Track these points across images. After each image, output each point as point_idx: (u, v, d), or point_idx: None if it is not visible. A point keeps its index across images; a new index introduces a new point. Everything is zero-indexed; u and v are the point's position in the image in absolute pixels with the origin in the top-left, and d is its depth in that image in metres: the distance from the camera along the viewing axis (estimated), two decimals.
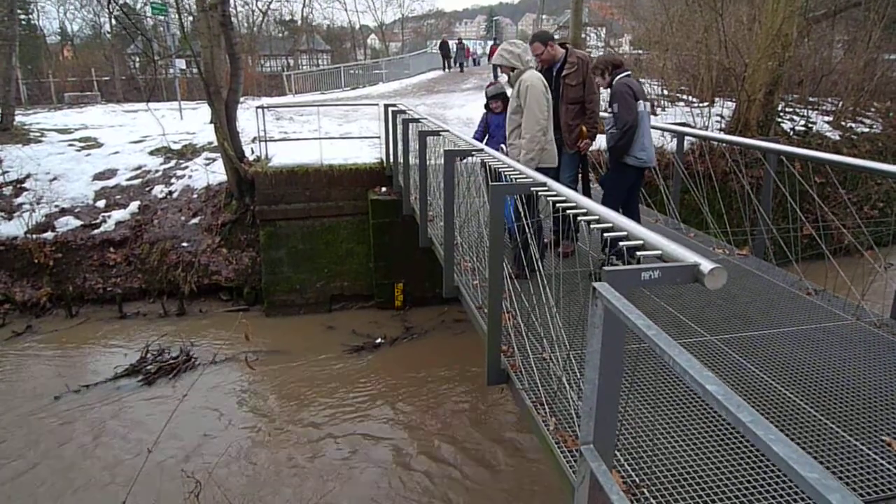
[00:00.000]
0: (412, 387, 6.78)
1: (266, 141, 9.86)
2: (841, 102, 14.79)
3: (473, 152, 4.20)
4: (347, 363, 7.36)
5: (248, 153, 10.01)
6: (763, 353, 3.56)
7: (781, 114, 12.97)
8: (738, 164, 7.41)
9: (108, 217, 9.54)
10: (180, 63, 19.94)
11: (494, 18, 61.29)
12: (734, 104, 12.34)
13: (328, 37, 42.23)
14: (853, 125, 14.15)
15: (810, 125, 13.07)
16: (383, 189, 8.94)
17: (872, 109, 15.59)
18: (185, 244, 9.24)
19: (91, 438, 5.89)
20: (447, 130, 5.33)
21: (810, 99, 14.83)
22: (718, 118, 12.56)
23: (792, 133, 12.46)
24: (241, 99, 11.20)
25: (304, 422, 6.16)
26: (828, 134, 13.02)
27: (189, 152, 11.33)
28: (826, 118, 13.95)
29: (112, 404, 6.48)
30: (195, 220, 9.57)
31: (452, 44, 29.45)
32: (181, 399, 6.25)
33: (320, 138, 9.88)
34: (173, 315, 8.81)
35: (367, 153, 9.80)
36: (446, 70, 27.95)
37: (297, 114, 14.69)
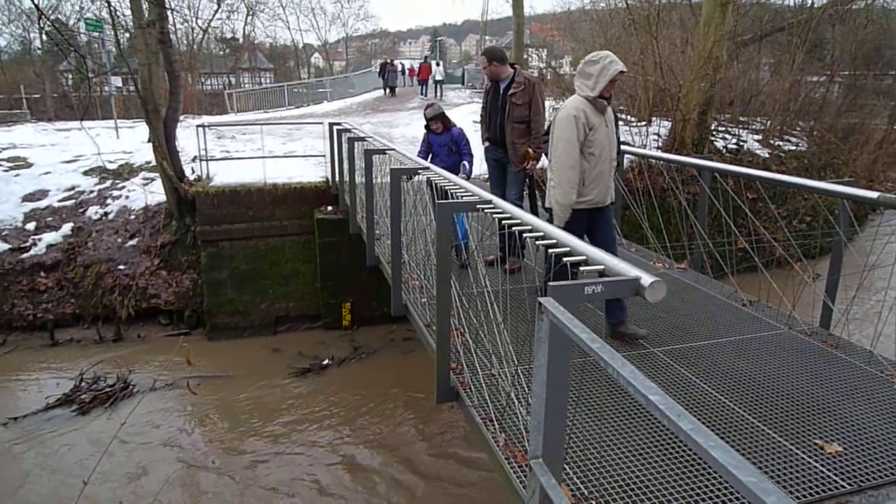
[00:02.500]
0: (361, 407, 6.68)
1: (207, 160, 9.63)
2: (769, 122, 15.60)
3: (420, 170, 4.22)
4: (294, 386, 7.19)
5: (188, 172, 9.75)
6: (703, 364, 3.68)
7: (714, 132, 13.57)
8: (675, 181, 7.69)
9: (39, 240, 9.09)
10: (116, 80, 19.31)
11: (438, 39, 62.03)
12: (670, 123, 12.83)
13: (271, 55, 41.80)
14: (781, 143, 14.94)
15: (741, 143, 13.73)
16: (329, 208, 8.85)
17: (798, 128, 16.52)
18: (121, 267, 8.88)
19: (21, 474, 5.54)
20: (393, 149, 5.34)
21: (741, 118, 15.58)
22: (656, 137, 13.02)
23: (725, 151, 13.04)
24: (181, 117, 10.92)
25: (249, 446, 5.97)
26: (758, 152, 13.70)
27: (126, 172, 10.95)
28: (756, 137, 14.67)
29: (43, 437, 6.12)
30: (133, 242, 9.23)
31: (397, 64, 29.27)
32: (119, 428, 5.96)
33: (264, 157, 9.73)
34: (109, 341, 8.41)
35: (312, 172, 9.70)
36: (389, 93, 26.92)
37: (239, 132, 14.43)
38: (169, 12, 10.45)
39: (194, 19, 29.76)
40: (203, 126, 9.67)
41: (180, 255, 9.12)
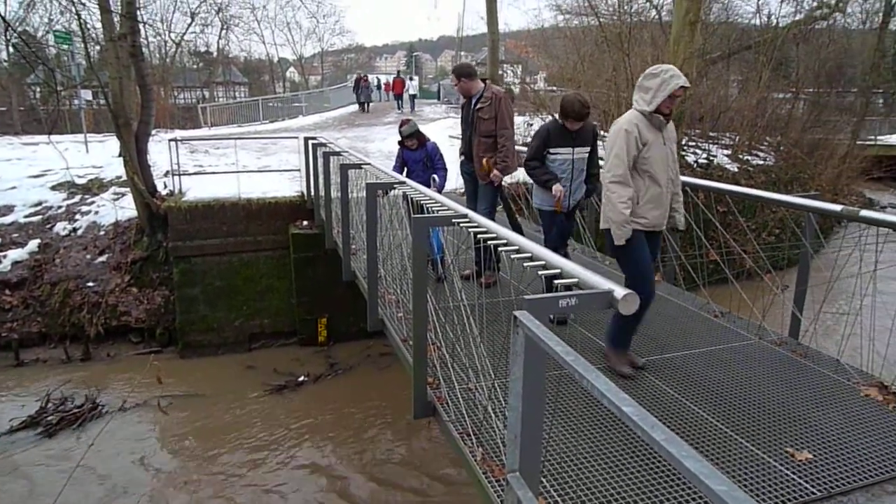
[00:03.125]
0: (338, 424, 6.61)
1: (180, 174, 9.52)
2: (738, 137, 15.97)
3: (395, 185, 4.23)
4: (269, 403, 7.09)
5: (160, 187, 9.62)
6: (676, 374, 3.72)
7: (685, 147, 13.84)
8: None
9: (4, 257, 8.86)
10: (86, 94, 19.01)
11: (414, 54, 62.46)
12: None
13: (246, 69, 41.57)
14: (749, 158, 15.29)
15: (711, 158, 14.02)
16: (304, 223, 8.80)
17: (765, 143, 16.93)
18: (90, 284, 8.70)
19: None
20: (369, 163, 5.34)
21: (710, 134, 15.92)
22: None
23: (696, 165, 13.31)
24: (153, 131, 10.79)
25: (223, 466, 5.85)
26: (727, 166, 14.00)
27: (95, 187, 10.77)
28: (725, 151, 15.01)
29: (7, 461, 5.92)
30: (102, 259, 9.05)
31: (373, 77, 29.31)
32: (87, 450, 5.81)
33: (238, 171, 9.65)
34: (77, 360, 8.21)
35: (287, 186, 9.64)
36: (361, 109, 26.22)
37: (213, 147, 14.30)
38: (141, 25, 10.36)
39: (167, 33, 29.52)
40: (176, 140, 9.57)
41: (152, 271, 8.97)
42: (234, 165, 10.47)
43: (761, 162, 15.29)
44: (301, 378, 7.61)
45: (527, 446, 1.90)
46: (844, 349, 3.98)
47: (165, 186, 9.80)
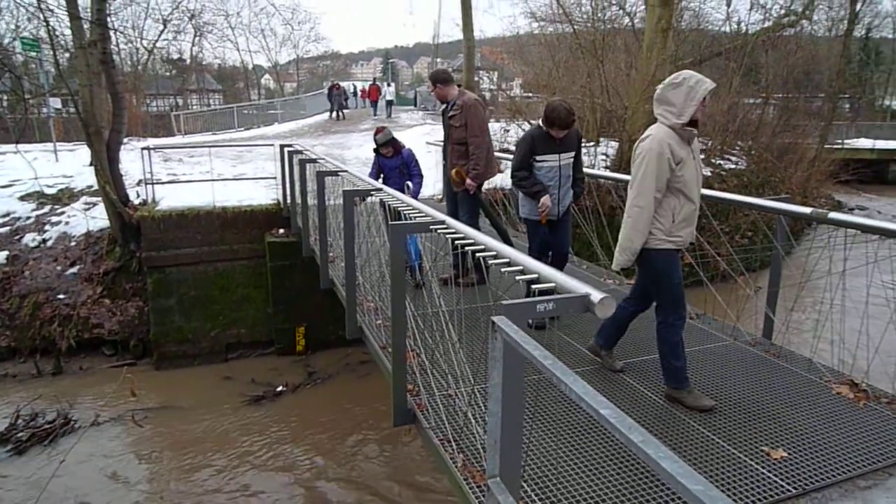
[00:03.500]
0: (317, 434, 6.54)
1: (153, 183, 9.39)
2: (710, 141, 16.24)
3: (373, 192, 4.22)
4: (247, 414, 7.00)
5: (133, 197, 9.47)
6: (653, 376, 3.76)
7: None
8: (623, 199, 7.89)
9: None
10: (55, 102, 18.67)
11: (390, 61, 62.50)
12: (618, 144, 13.23)
13: (220, 76, 41.20)
14: (722, 162, 15.57)
15: None
16: (281, 231, 8.73)
17: (737, 147, 17.25)
18: (61, 296, 8.51)
19: None
20: (346, 170, 5.32)
21: None
22: (604, 157, 13.38)
23: None
24: (125, 140, 10.65)
25: (200, 479, 5.76)
26: None
27: (66, 197, 10.55)
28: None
29: None
30: (73, 270, 8.87)
31: (349, 84, 29.24)
32: (58, 466, 5.67)
33: (212, 180, 9.55)
34: (48, 374, 8.02)
35: (262, 194, 9.56)
36: (336, 117, 25.40)
37: (186, 155, 14.13)
38: (112, 32, 10.22)
39: (139, 39, 29.12)
40: (148, 149, 9.44)
41: (125, 282, 8.82)
42: (209, 174, 10.35)
43: (733, 166, 15.57)
44: (279, 388, 7.53)
45: (507, 451, 1.91)
46: (816, 348, 4.06)
47: (138, 195, 9.65)
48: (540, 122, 4.41)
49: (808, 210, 3.88)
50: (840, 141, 25.41)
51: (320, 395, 7.50)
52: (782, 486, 2.64)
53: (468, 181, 5.20)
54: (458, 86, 5.42)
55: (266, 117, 25.67)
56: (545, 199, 4.38)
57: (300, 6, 52.77)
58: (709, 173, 14.12)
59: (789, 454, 2.88)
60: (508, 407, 1.85)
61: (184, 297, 8.48)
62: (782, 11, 19.26)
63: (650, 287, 3.58)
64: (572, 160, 4.55)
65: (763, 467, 2.79)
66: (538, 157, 4.41)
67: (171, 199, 9.14)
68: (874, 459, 2.84)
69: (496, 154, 6.30)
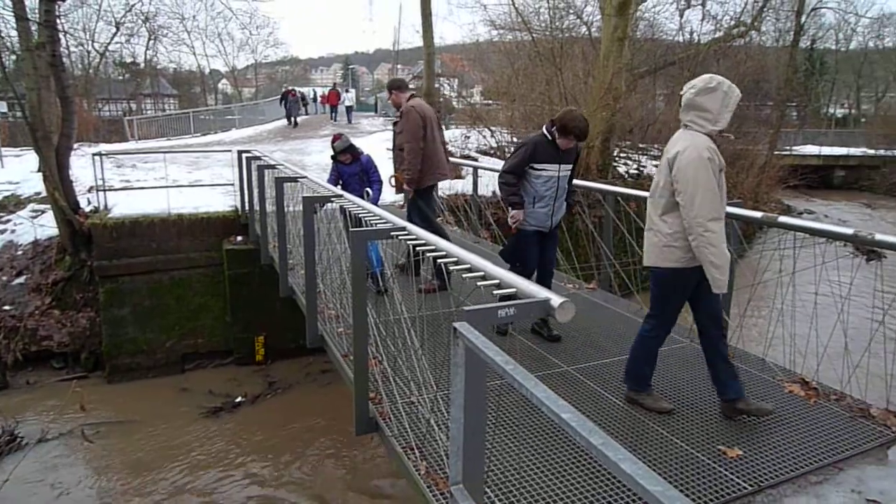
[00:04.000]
0: (278, 444, 6.42)
1: (105, 190, 9.10)
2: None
3: (333, 198, 4.17)
4: (204, 427, 6.82)
5: (83, 204, 9.17)
6: (614, 379, 3.81)
7: (617, 158, 14.33)
8: (582, 205, 8.01)
9: None
10: (1, 106, 17.98)
11: (350, 67, 62.22)
12: None
13: (175, 80, 40.28)
14: None
15: (642, 168, 14.56)
16: (239, 238, 8.57)
17: None
18: (7, 307, 8.16)
19: None
20: (305, 177, 5.27)
21: (640, 145, 16.56)
22: None
23: (627, 175, 13.79)
24: (76, 145, 10.30)
25: (155, 495, 5.58)
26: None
27: (11, 204, 10.15)
28: (654, 162, 15.61)
29: None
30: (20, 280, 8.52)
31: (309, 90, 28.96)
32: (2, 485, 5.42)
33: (168, 186, 9.32)
34: None
35: (220, 201, 9.37)
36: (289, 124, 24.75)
37: (140, 161, 13.76)
38: (61, 35, 9.90)
39: (90, 42, 28.30)
40: (100, 154, 9.16)
41: (75, 292, 8.52)
42: (164, 180, 10.10)
43: None
44: (238, 399, 7.37)
45: (470, 457, 1.90)
46: (768, 348, 4.19)
47: (89, 203, 9.34)
48: (544, 129, 4.22)
49: (758, 214, 4.00)
50: (788, 147, 26.39)
51: (281, 405, 7.37)
52: (739, 484, 2.70)
53: (404, 186, 5.39)
54: (413, 94, 5.52)
55: (223, 123, 25.24)
56: (517, 213, 4.20)
57: (258, 11, 51.95)
58: None
59: (745, 452, 2.96)
60: (471, 413, 1.84)
61: (138, 307, 8.23)
62: (732, 23, 19.92)
63: (655, 299, 3.38)
64: (569, 172, 4.38)
65: (720, 466, 2.85)
66: (537, 165, 4.19)
67: (124, 206, 8.87)
68: (825, 455, 2.93)
69: (457, 160, 6.38)
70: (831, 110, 45.50)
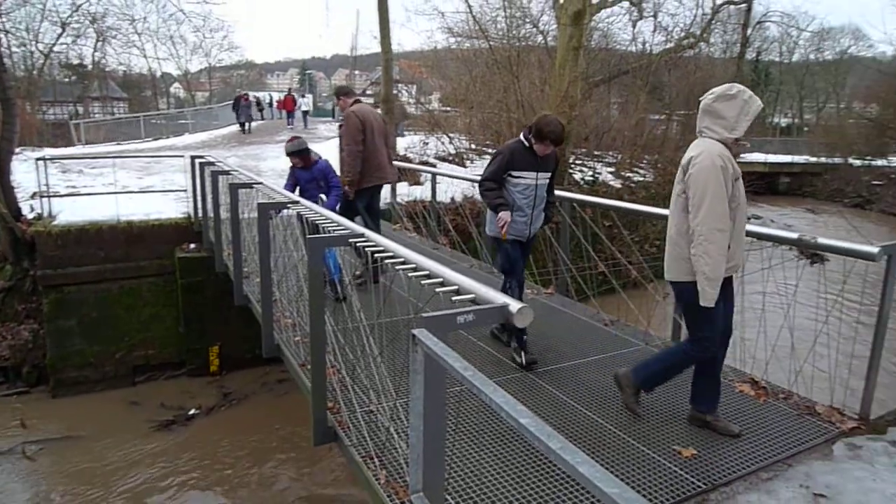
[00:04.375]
0: (233, 457, 6.27)
1: (49, 196, 8.76)
2: (620, 155, 17.01)
3: (289, 205, 4.11)
4: (156, 441, 6.61)
5: (26, 210, 8.80)
6: (572, 383, 3.86)
7: (573, 165, 14.56)
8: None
9: None
10: None
11: (307, 72, 61.57)
12: None
13: (125, 84, 39.11)
14: (631, 174, 16.32)
15: (597, 175, 14.83)
16: (192, 245, 8.36)
17: (644, 161, 18.16)
18: None
19: None
20: (260, 182, 5.18)
21: (595, 152, 16.86)
22: None
23: (583, 182, 14.02)
24: (18, 149, 9.89)
25: None
26: (611, 183, 14.86)
27: None
28: (609, 169, 15.93)
29: None
30: None
31: (265, 95, 28.55)
32: None
33: (117, 192, 9.03)
34: None
35: (172, 207, 9.12)
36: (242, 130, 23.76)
37: (88, 166, 13.29)
38: (2, 34, 9.52)
39: (34, 43, 27.21)
40: (44, 159, 8.82)
41: (17, 303, 8.15)
42: (113, 186, 9.77)
43: (642, 178, 16.36)
44: (192, 411, 7.17)
45: (430, 465, 1.89)
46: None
47: (32, 209, 8.97)
48: (521, 136, 4.11)
49: None
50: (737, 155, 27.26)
51: (236, 416, 7.20)
52: (694, 483, 2.76)
53: (345, 188, 5.64)
54: (358, 99, 5.85)
55: (176, 127, 24.61)
56: (504, 214, 3.98)
57: (212, 14, 50.93)
58: (619, 185, 14.79)
59: (699, 452, 3.02)
60: (430, 420, 1.83)
61: (85, 318, 7.93)
62: (682, 34, 20.54)
63: (686, 318, 3.22)
64: (548, 181, 4.25)
65: (675, 466, 2.91)
66: (515, 173, 4.06)
67: (70, 213, 8.55)
68: (775, 452, 3.02)
69: (416, 166, 6.44)
70: (776, 120, 47.40)
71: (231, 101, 27.74)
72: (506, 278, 4.30)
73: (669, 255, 3.14)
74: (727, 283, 3.12)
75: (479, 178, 4.31)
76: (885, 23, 70.25)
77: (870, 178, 25.82)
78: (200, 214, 7.97)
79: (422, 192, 10.58)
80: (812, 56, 45.28)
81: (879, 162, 25.24)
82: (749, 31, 24.76)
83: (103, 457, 6.26)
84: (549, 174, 4.21)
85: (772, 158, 30.62)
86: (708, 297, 2.93)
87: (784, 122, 48.69)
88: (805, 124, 45.85)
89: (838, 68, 43.59)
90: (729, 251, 2.98)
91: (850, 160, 28.79)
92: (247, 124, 23.94)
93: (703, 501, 2.67)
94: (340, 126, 5.63)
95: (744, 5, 23.14)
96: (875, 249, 3.06)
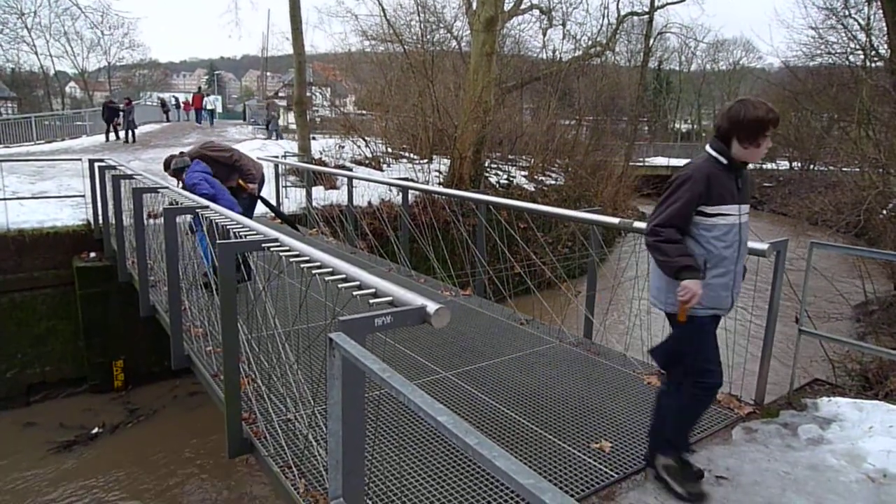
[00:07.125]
0: (142, 475, 5.94)
1: None
2: (532, 159, 17.50)
3: (197, 209, 3.96)
4: (55, 463, 6.15)
5: None
6: (490, 381, 3.93)
7: (488, 169, 14.83)
8: (456, 214, 8.21)
9: None
10: None
11: (216, 73, 59.43)
12: (449, 161, 13.75)
13: (14, 82, 36.33)
14: (543, 178, 16.83)
15: (511, 178, 15.19)
16: (92, 254, 7.85)
17: (556, 165, 18.78)
18: None
19: None
20: (166, 187, 4.95)
21: (510, 156, 17.27)
22: (437, 173, 13.83)
23: (498, 185, 14.31)
24: None
25: None
26: (525, 186, 15.26)
27: None
28: (523, 172, 16.36)
29: None
30: None
31: (170, 96, 27.31)
32: None
33: (5, 199, 8.35)
34: None
35: (69, 214, 8.54)
36: (110, 139, 19.69)
37: None
38: None
39: None
40: None
41: None
42: (2, 192, 9.03)
43: (554, 181, 16.92)
44: (95, 430, 6.73)
45: (350, 470, 1.87)
46: (629, 344, 4.52)
47: None
48: (709, 149, 2.61)
49: (616, 220, 4.31)
50: (641, 159, 28.79)
51: (145, 433, 6.83)
52: (607, 473, 2.88)
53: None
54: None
55: (72, 129, 23.03)
56: (692, 284, 2.46)
57: (111, 9, 47.96)
58: (532, 189, 15.20)
59: (611, 443, 3.16)
60: (349, 424, 1.82)
61: None
62: (590, 42, 21.44)
63: (683, 350, 2.69)
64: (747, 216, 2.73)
65: (589, 457, 3.02)
66: (710, 210, 2.55)
67: None
68: None
69: (332, 170, 6.41)
70: (677, 125, 50.38)
71: (135, 102, 25.94)
72: (679, 382, 2.73)
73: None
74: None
75: (398, 181, 4.28)
76: (772, 37, 76.27)
77: (761, 180, 27.86)
78: (101, 221, 7.51)
79: (338, 196, 10.46)
80: (708, 66, 48.46)
81: (769, 165, 27.26)
82: (651, 41, 26.17)
83: None
84: (748, 206, 2.71)
85: (674, 162, 32.37)
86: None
87: (685, 127, 51.78)
88: (703, 130, 48.89)
89: (732, 77, 46.91)
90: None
91: None
92: (129, 132, 19.60)
93: (615, 490, 2.79)
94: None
95: (646, 17, 24.44)
96: (765, 246, 3.30)
